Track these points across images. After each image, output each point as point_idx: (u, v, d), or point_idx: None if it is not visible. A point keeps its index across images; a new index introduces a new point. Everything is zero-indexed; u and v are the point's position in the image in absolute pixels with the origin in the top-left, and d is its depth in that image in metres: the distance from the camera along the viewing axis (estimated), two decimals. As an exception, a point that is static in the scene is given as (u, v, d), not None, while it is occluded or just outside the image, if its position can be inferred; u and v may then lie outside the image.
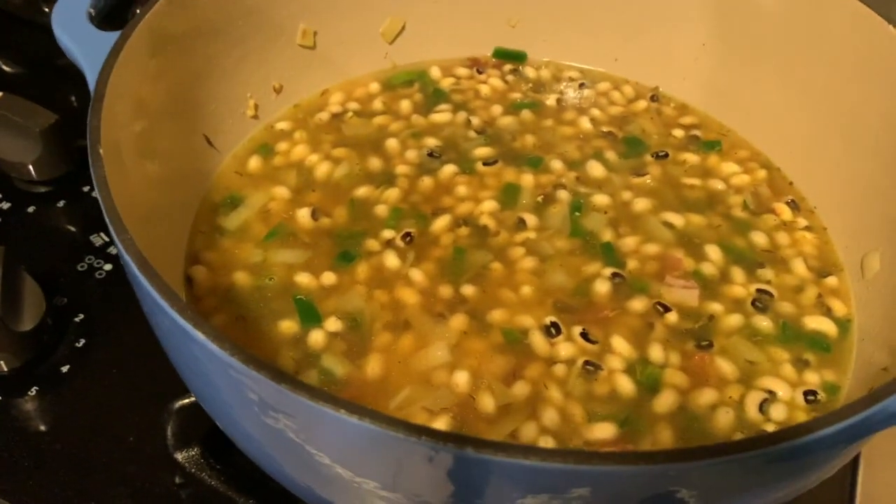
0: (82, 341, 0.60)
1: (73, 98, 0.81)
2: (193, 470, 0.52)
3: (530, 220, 0.54)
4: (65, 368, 0.58)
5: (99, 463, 0.53)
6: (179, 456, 0.52)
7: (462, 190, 0.56)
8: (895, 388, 0.32)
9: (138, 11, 0.64)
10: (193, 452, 0.52)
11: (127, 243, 0.33)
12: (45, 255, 0.65)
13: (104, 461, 0.54)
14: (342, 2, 0.61)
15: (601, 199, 0.55)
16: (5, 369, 0.56)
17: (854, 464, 0.54)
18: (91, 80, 0.42)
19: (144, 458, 0.54)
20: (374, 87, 0.64)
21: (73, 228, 0.68)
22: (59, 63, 0.84)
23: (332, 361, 0.46)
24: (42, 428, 0.55)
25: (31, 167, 0.68)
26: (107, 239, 0.66)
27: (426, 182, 0.56)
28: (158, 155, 0.48)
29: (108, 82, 0.40)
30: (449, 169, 0.57)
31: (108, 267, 0.65)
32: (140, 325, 0.60)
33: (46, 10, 0.82)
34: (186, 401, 0.51)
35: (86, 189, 0.71)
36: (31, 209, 0.69)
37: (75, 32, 0.44)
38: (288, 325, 0.48)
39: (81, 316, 0.61)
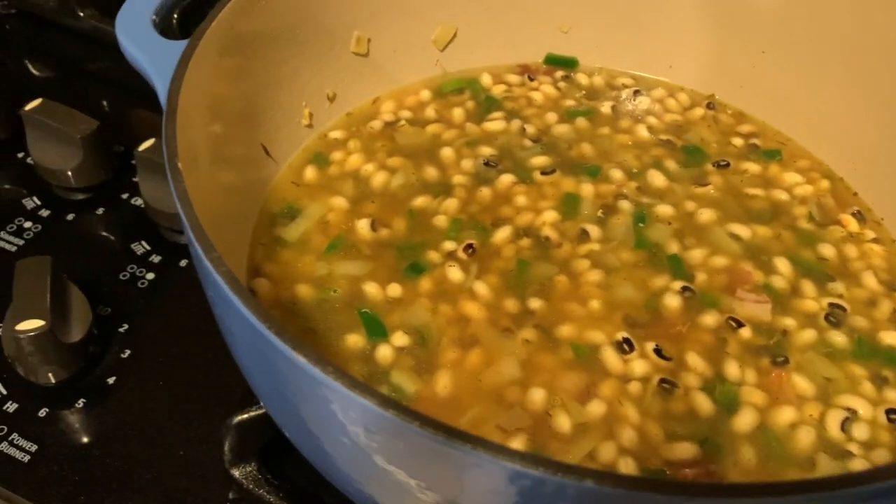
0: (127, 352, 0.59)
1: (104, 103, 0.80)
2: (251, 486, 0.51)
3: (593, 231, 0.53)
4: (111, 380, 0.57)
5: (149, 477, 0.53)
6: (236, 472, 0.51)
7: (521, 200, 0.55)
8: None
9: (176, 17, 0.63)
10: (250, 468, 0.51)
11: (216, 262, 0.32)
12: (86, 263, 0.64)
13: (154, 475, 0.53)
14: (396, 9, 0.60)
15: (664, 209, 0.54)
16: (53, 381, 0.55)
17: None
18: (161, 91, 0.41)
19: (196, 473, 0.53)
20: (425, 94, 0.63)
21: (113, 237, 0.67)
22: (91, 67, 0.84)
23: (402, 378, 0.45)
24: (90, 440, 0.54)
25: (70, 174, 0.67)
26: (148, 247, 0.66)
27: (484, 192, 0.55)
28: (223, 165, 0.47)
29: (179, 94, 0.39)
30: (506, 178, 0.56)
31: (150, 276, 0.64)
32: (184, 335, 0.60)
33: (81, 14, 0.82)
34: (245, 416, 0.50)
35: (125, 196, 0.70)
36: (70, 217, 0.68)
37: (142, 42, 0.43)
38: (355, 340, 0.46)
39: (126, 326, 0.60)
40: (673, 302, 0.49)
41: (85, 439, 0.54)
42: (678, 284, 0.50)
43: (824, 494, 0.27)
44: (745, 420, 0.44)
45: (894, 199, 0.55)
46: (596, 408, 0.44)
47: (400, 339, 0.47)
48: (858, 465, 0.43)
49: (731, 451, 0.43)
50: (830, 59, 0.58)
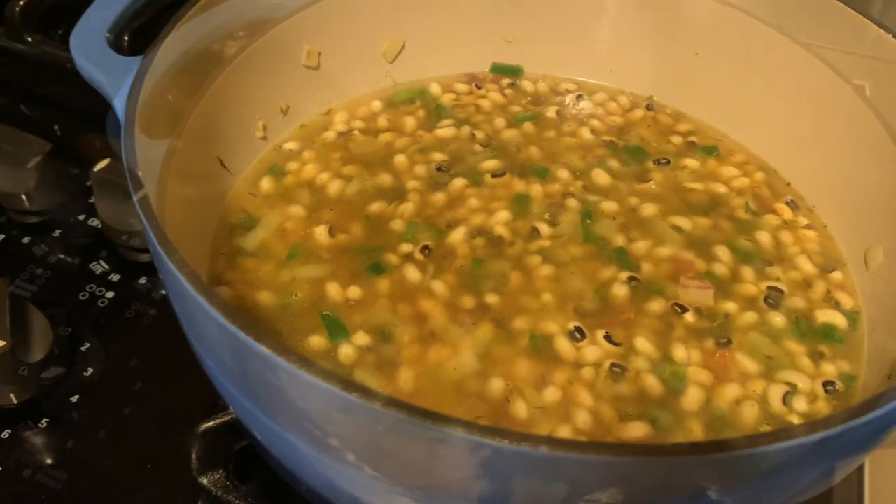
0: (90, 370, 0.59)
1: (56, 126, 0.80)
2: (220, 493, 0.51)
3: (543, 228, 0.55)
4: (74, 398, 0.58)
5: (118, 491, 0.53)
6: (204, 479, 0.52)
7: (474, 202, 0.57)
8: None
9: (127, 37, 0.64)
10: (218, 475, 0.52)
11: (179, 263, 0.33)
12: (44, 285, 0.64)
13: (122, 490, 0.53)
14: (344, 24, 0.61)
15: (609, 205, 0.57)
16: (15, 402, 0.56)
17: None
18: (119, 105, 0.42)
19: (165, 484, 0.53)
20: (377, 105, 0.64)
21: (70, 258, 0.67)
22: (41, 91, 0.84)
23: (365, 375, 0.46)
24: (55, 460, 0.54)
25: (24, 197, 0.67)
26: (107, 267, 0.66)
27: (438, 196, 0.57)
28: (182, 178, 0.48)
29: (137, 107, 0.40)
30: (459, 182, 0.58)
31: (109, 294, 0.64)
32: (145, 351, 0.61)
33: (29, 39, 0.82)
34: (211, 423, 0.51)
35: (81, 217, 0.70)
36: (25, 240, 0.68)
37: (97, 59, 0.44)
38: (317, 341, 0.48)
39: (87, 345, 0.61)
40: (621, 291, 0.51)
41: (50, 459, 0.54)
42: (625, 275, 0.52)
43: (760, 450, 0.30)
44: (692, 398, 0.46)
45: (824, 188, 0.58)
46: (552, 394, 0.46)
47: (362, 338, 0.48)
48: (799, 434, 0.45)
49: (680, 427, 0.45)
50: (760, 60, 0.61)
